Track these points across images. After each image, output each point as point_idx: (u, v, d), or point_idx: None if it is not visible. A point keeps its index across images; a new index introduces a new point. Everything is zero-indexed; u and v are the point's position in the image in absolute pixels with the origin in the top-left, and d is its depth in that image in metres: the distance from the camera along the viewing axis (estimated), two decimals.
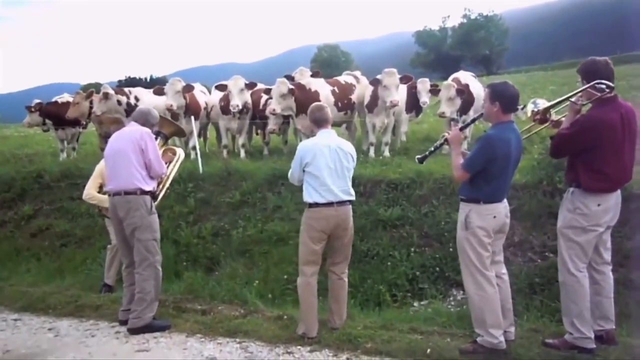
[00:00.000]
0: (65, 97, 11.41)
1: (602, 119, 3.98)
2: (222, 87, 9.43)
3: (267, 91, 9.09)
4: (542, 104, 4.37)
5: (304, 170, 4.67)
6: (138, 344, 4.79)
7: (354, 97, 9.49)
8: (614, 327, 4.25)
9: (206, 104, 10.30)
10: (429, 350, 4.33)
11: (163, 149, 5.68)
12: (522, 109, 6.14)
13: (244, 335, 4.87)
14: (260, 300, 5.71)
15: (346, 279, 4.94)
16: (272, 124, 9.11)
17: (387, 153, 8.86)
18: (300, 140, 9.58)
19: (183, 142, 9.76)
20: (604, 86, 3.96)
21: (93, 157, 9.84)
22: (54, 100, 11.55)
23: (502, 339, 4.14)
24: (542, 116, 4.36)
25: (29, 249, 8.13)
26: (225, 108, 9.39)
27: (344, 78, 9.93)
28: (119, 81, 46.94)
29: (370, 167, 7.69)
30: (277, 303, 5.81)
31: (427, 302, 5.65)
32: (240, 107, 9.13)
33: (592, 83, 4.00)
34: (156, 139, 5.30)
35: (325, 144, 4.67)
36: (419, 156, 4.76)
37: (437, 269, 5.96)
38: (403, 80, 8.68)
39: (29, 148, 13.52)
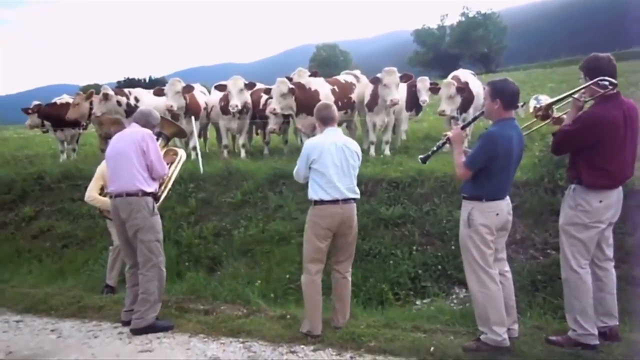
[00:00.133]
0: (65, 98, 11.42)
1: (604, 115, 3.98)
2: (221, 88, 9.44)
3: (267, 91, 9.10)
4: (545, 100, 4.36)
5: (310, 168, 4.67)
6: (141, 344, 4.79)
7: (354, 96, 9.49)
8: (617, 323, 4.26)
9: (206, 104, 10.31)
10: (432, 349, 4.33)
11: (164, 150, 5.67)
12: (522, 106, 6.15)
13: (247, 335, 4.87)
14: (262, 300, 5.70)
15: (350, 278, 4.94)
16: (272, 124, 9.12)
17: (387, 152, 8.86)
18: (301, 140, 9.61)
19: (183, 143, 9.76)
20: (606, 83, 3.96)
21: (93, 158, 9.85)
22: (52, 101, 11.55)
23: (505, 336, 4.14)
24: (544, 112, 4.36)
25: (30, 250, 8.13)
26: (225, 108, 9.40)
27: (344, 77, 9.93)
28: (118, 82, 46.90)
29: (371, 165, 7.69)
30: (280, 302, 5.81)
31: (429, 301, 5.66)
32: (240, 107, 9.14)
33: (595, 80, 3.99)
34: (157, 140, 5.29)
35: (332, 141, 4.68)
36: (421, 156, 4.76)
37: (440, 267, 5.96)
38: (403, 78, 8.69)
39: (29, 149, 13.53)
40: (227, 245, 7.07)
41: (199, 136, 10.35)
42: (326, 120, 4.82)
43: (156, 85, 10.24)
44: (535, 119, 4.63)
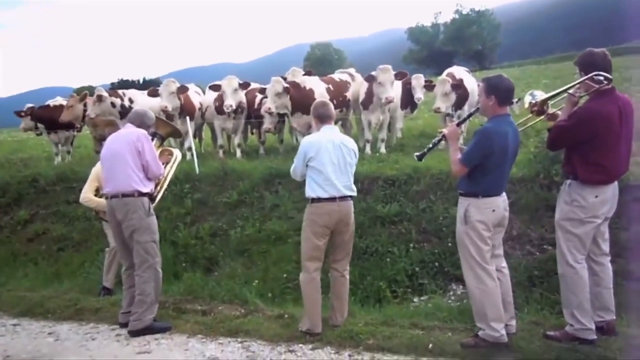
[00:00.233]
0: (58, 101, 11.36)
1: (599, 111, 3.98)
2: (216, 88, 9.41)
3: (262, 90, 9.08)
4: (540, 95, 4.37)
5: (307, 165, 4.67)
6: (139, 346, 4.78)
7: (349, 95, 9.49)
8: (614, 317, 4.27)
9: (201, 104, 10.28)
10: (430, 345, 4.34)
11: (160, 150, 5.66)
12: (517, 102, 6.16)
13: (245, 334, 4.87)
14: (260, 300, 5.70)
15: (348, 276, 4.94)
16: (267, 123, 9.10)
17: (383, 149, 8.87)
18: (296, 139, 9.60)
19: (178, 143, 9.73)
20: (602, 78, 3.96)
21: (88, 160, 9.82)
22: (46, 104, 11.50)
23: (503, 332, 4.15)
24: (539, 108, 4.36)
25: (26, 253, 8.09)
26: (220, 108, 9.37)
27: (339, 75, 9.92)
28: (112, 84, 46.78)
29: (367, 163, 7.69)
30: (277, 302, 5.81)
31: (427, 298, 5.66)
32: (234, 107, 9.12)
33: (590, 75, 4.00)
34: (152, 140, 5.28)
35: (329, 139, 4.68)
36: (417, 153, 4.76)
37: (437, 264, 5.97)
38: (398, 76, 8.68)
39: (23, 152, 13.48)
40: (223, 245, 7.06)
41: (194, 136, 10.32)
42: (323, 118, 4.82)
43: (150, 87, 10.21)
44: (530, 115, 4.64)
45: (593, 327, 4.12)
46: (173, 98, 9.20)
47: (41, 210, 8.79)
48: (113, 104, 9.73)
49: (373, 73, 8.57)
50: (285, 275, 6.20)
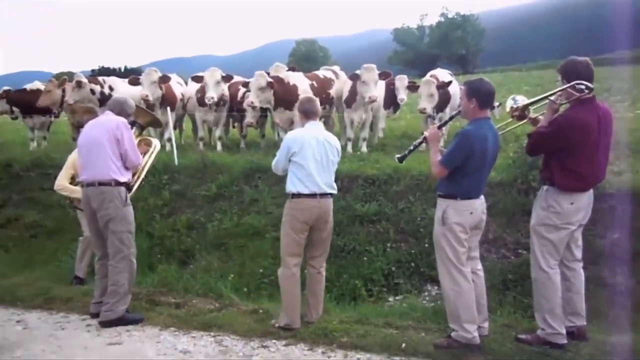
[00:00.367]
0: (36, 85, 11.14)
1: (579, 119, 4.03)
2: (198, 79, 9.33)
3: (245, 84, 9.01)
4: (522, 100, 4.42)
5: (289, 160, 4.66)
6: (110, 337, 4.71)
7: (332, 92, 9.48)
8: (584, 323, 4.33)
9: (182, 95, 10.17)
10: (403, 345, 4.35)
11: (138, 139, 5.58)
12: (499, 106, 6.22)
13: (219, 329, 4.82)
14: (235, 294, 5.66)
15: (324, 273, 4.94)
16: (249, 117, 9.03)
17: (364, 149, 8.88)
18: (278, 134, 9.56)
19: (158, 134, 9.60)
20: (583, 87, 4.01)
21: (65, 147, 9.64)
22: (23, 87, 11.28)
23: (476, 334, 4.18)
24: (520, 113, 4.42)
25: None
26: (201, 100, 9.29)
27: (323, 73, 9.91)
28: (92, 71, 45.99)
29: (348, 162, 7.69)
30: (253, 297, 5.77)
31: (402, 297, 5.69)
32: (216, 99, 9.05)
33: (572, 83, 4.04)
34: (132, 129, 5.20)
35: (313, 135, 4.67)
36: (398, 155, 4.78)
37: (413, 264, 6.00)
38: (382, 76, 8.70)
39: None
40: (200, 238, 7.01)
41: (174, 127, 10.22)
42: (309, 114, 4.81)
43: (132, 75, 10.07)
44: (511, 119, 4.68)
45: (564, 331, 4.18)
46: (154, 87, 9.09)
47: (15, 196, 8.64)
48: (92, 91, 9.57)
49: (357, 72, 8.58)
50: (261, 271, 6.17)
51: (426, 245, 5.96)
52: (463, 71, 45.82)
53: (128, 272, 4.96)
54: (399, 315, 5.14)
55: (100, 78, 10.24)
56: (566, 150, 4.07)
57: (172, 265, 6.46)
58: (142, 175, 5.63)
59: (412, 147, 4.64)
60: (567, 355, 4.08)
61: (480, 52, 60.48)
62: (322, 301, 4.96)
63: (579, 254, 4.35)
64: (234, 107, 9.76)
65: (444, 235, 4.20)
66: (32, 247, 7.62)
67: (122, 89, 9.74)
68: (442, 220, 4.21)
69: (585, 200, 4.19)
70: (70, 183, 5.93)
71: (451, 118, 5.05)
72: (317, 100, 4.97)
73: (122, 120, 5.01)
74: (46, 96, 9.87)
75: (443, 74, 9.78)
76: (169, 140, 9.14)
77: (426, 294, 5.76)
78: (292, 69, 10.32)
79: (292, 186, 4.67)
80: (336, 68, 10.45)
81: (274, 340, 4.56)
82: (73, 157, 5.88)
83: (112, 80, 10.29)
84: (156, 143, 5.91)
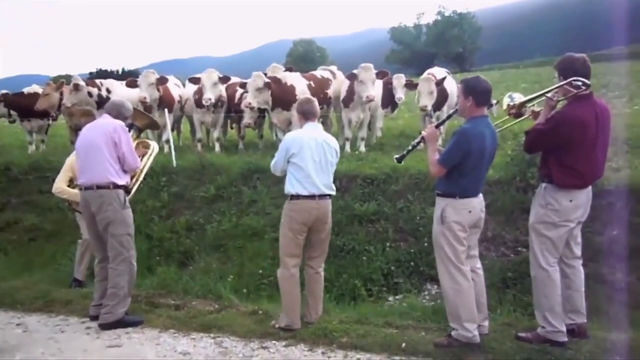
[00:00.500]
0: (34, 88, 11.14)
1: (577, 116, 4.02)
2: (195, 80, 9.33)
3: (243, 85, 9.01)
4: (519, 98, 4.42)
5: (288, 162, 4.65)
6: (109, 339, 4.70)
7: (330, 92, 9.48)
8: (585, 320, 4.32)
9: (180, 97, 10.18)
10: (403, 345, 4.34)
11: (136, 142, 5.57)
12: (496, 104, 6.22)
13: (218, 330, 4.81)
14: (234, 295, 5.65)
15: (323, 274, 4.93)
16: (247, 118, 9.04)
17: (362, 148, 8.88)
18: (276, 135, 9.56)
19: (156, 135, 9.61)
20: (580, 83, 4.01)
21: (63, 150, 9.64)
22: (21, 91, 11.27)
23: (476, 333, 4.18)
24: (517, 110, 4.42)
25: None
26: (199, 101, 9.29)
27: (320, 73, 9.91)
28: (90, 73, 45.97)
29: (346, 162, 7.69)
30: (252, 298, 5.77)
31: (402, 297, 5.69)
32: (213, 101, 9.05)
33: (569, 80, 4.03)
34: (129, 131, 5.19)
35: (312, 136, 4.66)
36: (397, 156, 4.78)
37: (412, 263, 6.00)
38: (379, 75, 8.70)
39: None
40: (199, 239, 7.00)
41: (172, 129, 10.22)
42: (307, 115, 4.80)
43: (129, 77, 10.07)
44: (507, 117, 4.68)
45: (564, 329, 4.18)
46: (152, 89, 9.09)
47: (13, 199, 8.63)
48: (90, 94, 9.56)
49: (355, 71, 8.58)
50: (260, 271, 6.17)
51: (425, 244, 5.95)
52: (460, 69, 45.86)
53: (128, 274, 4.95)
54: (398, 314, 5.13)
55: (97, 81, 10.24)
56: (564, 147, 4.07)
57: (171, 267, 6.45)
58: (141, 178, 5.62)
59: (410, 147, 4.64)
60: (567, 353, 4.07)
61: (477, 50, 60.58)
62: (322, 301, 4.95)
63: (578, 251, 4.34)
64: (231, 108, 9.76)
65: (443, 234, 4.20)
66: (31, 250, 7.61)
67: (119, 91, 9.74)
68: (441, 219, 4.21)
69: (583, 197, 4.19)
70: (69, 186, 5.92)
71: (449, 117, 5.06)
72: (316, 101, 4.96)
73: (120, 123, 4.99)
74: (44, 99, 9.87)
75: (440, 71, 9.80)
76: (167, 142, 9.13)
77: (426, 293, 5.76)
78: (289, 69, 10.34)
79: (290, 187, 4.66)
80: (333, 68, 10.46)
81: (273, 341, 4.55)
82: (71, 160, 5.86)
83: (109, 82, 10.29)
84: (154, 145, 5.90)
